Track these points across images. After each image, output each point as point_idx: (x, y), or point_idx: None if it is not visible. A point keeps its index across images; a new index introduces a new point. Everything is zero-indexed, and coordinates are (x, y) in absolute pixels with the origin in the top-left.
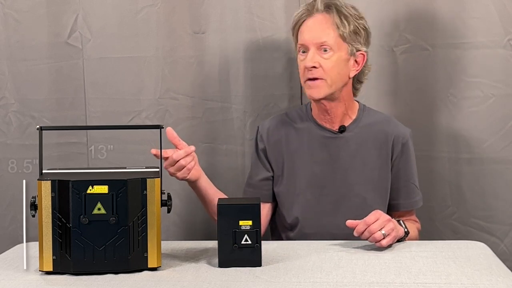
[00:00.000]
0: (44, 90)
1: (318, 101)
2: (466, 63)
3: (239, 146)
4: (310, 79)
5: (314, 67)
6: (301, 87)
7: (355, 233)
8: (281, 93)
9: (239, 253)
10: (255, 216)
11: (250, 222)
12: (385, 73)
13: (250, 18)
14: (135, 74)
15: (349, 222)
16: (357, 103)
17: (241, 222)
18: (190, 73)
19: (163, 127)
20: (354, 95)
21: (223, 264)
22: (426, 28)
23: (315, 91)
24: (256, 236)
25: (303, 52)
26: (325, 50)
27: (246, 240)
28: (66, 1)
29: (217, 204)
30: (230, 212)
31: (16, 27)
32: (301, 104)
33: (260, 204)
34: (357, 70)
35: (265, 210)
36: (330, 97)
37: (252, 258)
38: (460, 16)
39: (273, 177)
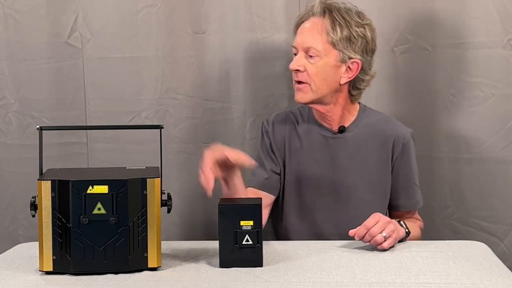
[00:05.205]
0: (44, 90)
1: (306, 104)
2: (466, 63)
3: (239, 146)
4: (296, 82)
5: (298, 70)
6: None
7: (356, 238)
8: (281, 93)
9: (240, 253)
10: (256, 216)
11: (251, 222)
12: (385, 73)
13: (250, 18)
14: (135, 74)
15: (351, 232)
16: (357, 104)
17: (242, 223)
18: (190, 73)
19: (163, 127)
20: (352, 101)
21: (224, 264)
22: (426, 28)
23: (300, 95)
24: (257, 236)
25: (294, 54)
26: (311, 56)
27: (247, 240)
28: (66, 1)
29: (218, 204)
30: (231, 212)
31: (16, 27)
32: None
33: (261, 204)
34: (349, 78)
35: (268, 201)
36: (319, 102)
37: (253, 258)
38: (460, 16)
39: (279, 173)
